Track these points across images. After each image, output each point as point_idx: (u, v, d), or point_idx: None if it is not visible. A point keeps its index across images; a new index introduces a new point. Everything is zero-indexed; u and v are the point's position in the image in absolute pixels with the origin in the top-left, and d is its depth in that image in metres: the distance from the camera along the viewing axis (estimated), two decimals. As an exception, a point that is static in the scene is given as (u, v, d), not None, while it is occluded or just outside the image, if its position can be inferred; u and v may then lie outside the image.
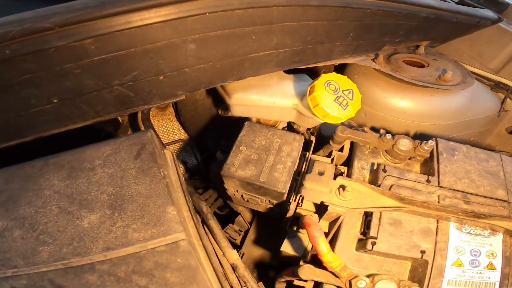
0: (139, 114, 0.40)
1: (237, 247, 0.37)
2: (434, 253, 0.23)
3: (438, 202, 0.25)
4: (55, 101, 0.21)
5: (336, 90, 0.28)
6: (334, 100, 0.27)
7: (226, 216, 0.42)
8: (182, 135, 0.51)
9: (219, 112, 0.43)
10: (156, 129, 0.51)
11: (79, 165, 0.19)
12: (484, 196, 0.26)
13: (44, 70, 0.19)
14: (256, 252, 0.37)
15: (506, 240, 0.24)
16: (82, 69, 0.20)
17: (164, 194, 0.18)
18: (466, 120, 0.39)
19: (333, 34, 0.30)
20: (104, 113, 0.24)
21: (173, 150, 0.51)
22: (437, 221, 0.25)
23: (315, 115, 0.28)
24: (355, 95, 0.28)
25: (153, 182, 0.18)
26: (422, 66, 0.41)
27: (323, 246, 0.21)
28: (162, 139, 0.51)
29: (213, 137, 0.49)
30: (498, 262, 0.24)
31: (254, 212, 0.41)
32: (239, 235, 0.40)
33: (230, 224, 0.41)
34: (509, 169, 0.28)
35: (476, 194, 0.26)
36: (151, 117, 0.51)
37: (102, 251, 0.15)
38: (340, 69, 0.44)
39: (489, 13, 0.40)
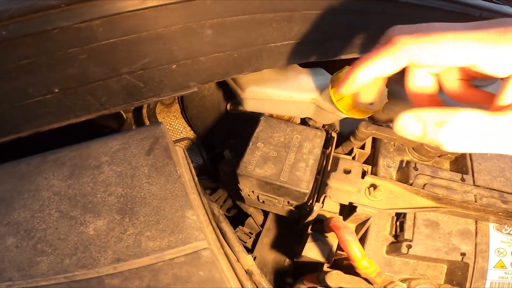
0: (144, 110, 0.38)
1: (248, 250, 0.34)
2: (475, 255, 0.21)
3: (475, 201, 0.23)
4: (56, 90, 0.19)
5: (361, 83, 0.26)
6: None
7: (234, 218, 0.40)
8: (188, 133, 0.49)
9: (228, 108, 0.41)
10: (160, 127, 0.49)
11: (83, 162, 0.16)
12: None
13: (45, 55, 0.17)
14: (269, 256, 0.35)
15: (546, 241, 0.23)
16: (88, 54, 0.18)
17: (181, 196, 0.15)
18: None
19: (355, 26, 0.29)
20: (109, 105, 0.22)
21: (179, 149, 0.48)
22: (476, 221, 0.23)
23: (338, 109, 0.26)
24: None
25: (169, 182, 0.16)
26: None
27: (356, 251, 0.19)
28: (167, 138, 0.48)
29: (221, 135, 0.46)
30: None
31: (265, 214, 0.38)
32: (250, 238, 0.38)
33: (240, 227, 0.39)
34: (541, 167, 0.27)
35: (512, 193, 0.24)
36: (157, 114, 0.49)
37: (112, 263, 0.13)
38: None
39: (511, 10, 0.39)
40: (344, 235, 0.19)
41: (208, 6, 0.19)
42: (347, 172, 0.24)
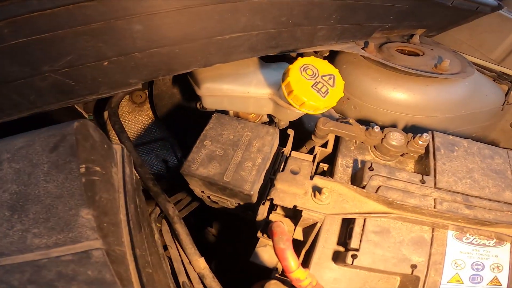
0: (106, 110, 0.37)
1: (214, 253, 0.33)
2: (428, 268, 0.19)
3: (434, 206, 0.21)
4: (-23, 90, 0.18)
5: (315, 76, 0.24)
6: (312, 87, 0.23)
7: (208, 219, 0.38)
8: (162, 132, 0.48)
9: (198, 106, 0.40)
10: (133, 126, 0.48)
11: None
12: (489, 199, 0.22)
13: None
14: (233, 260, 0.33)
15: (515, 251, 0.20)
16: (0, 54, 0.17)
17: (78, 194, 0.14)
18: (467, 114, 0.35)
19: (313, 15, 0.27)
20: (41, 103, 0.21)
21: (153, 149, 0.47)
22: (433, 229, 0.21)
23: (290, 104, 0.24)
24: (337, 81, 0.24)
25: (67, 180, 0.14)
26: (417, 55, 0.38)
27: (290, 261, 0.17)
28: (140, 137, 0.47)
29: (194, 133, 0.45)
30: (504, 277, 0.20)
31: (230, 215, 0.37)
32: (217, 239, 0.36)
33: (209, 228, 0.37)
34: (517, 168, 0.24)
35: (479, 197, 0.22)
36: (127, 113, 0.48)
37: None
38: (329, 60, 0.41)
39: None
40: (278, 242, 0.17)
41: (131, 2, 0.18)
42: (295, 172, 0.23)
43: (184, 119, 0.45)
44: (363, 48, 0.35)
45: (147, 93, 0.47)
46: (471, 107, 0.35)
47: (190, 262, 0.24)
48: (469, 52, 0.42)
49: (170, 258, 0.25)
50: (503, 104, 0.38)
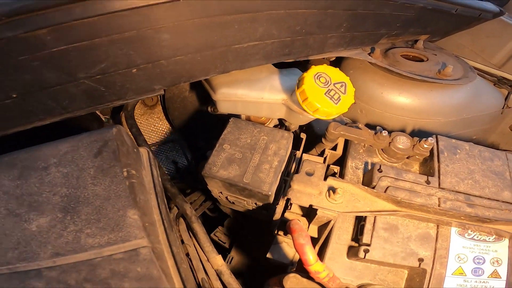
0: (123, 113, 0.38)
1: (226, 251, 0.34)
2: (433, 261, 0.21)
3: (439, 205, 0.22)
4: (14, 96, 0.19)
5: (327, 83, 0.26)
6: (325, 94, 0.25)
7: (219, 218, 0.40)
8: (172, 134, 0.49)
9: (209, 109, 0.41)
10: (144, 128, 0.49)
11: (33, 164, 0.17)
12: (489, 199, 0.24)
13: (-2, 63, 0.17)
14: (246, 257, 0.35)
15: (513, 246, 0.22)
16: (40, 61, 0.18)
17: (125, 196, 0.16)
18: (468, 117, 0.37)
19: (325, 24, 0.28)
20: (72, 108, 0.23)
21: (163, 151, 0.49)
22: (437, 226, 0.22)
23: (304, 110, 0.26)
24: (348, 88, 0.26)
25: (113, 183, 0.16)
26: (421, 60, 0.39)
27: (309, 255, 0.18)
28: (151, 139, 0.49)
29: (205, 136, 0.47)
30: (503, 270, 0.22)
31: (245, 214, 0.38)
32: (229, 238, 0.38)
33: (220, 227, 0.39)
34: (515, 169, 0.26)
35: (480, 196, 0.24)
36: (139, 116, 0.49)
37: (51, 257, 0.14)
38: (336, 64, 0.42)
39: (490, 5, 0.38)
40: (298, 238, 0.19)
41: (161, 12, 0.19)
42: (310, 174, 0.24)
43: (194, 122, 0.47)
44: (369, 54, 0.37)
45: (158, 96, 0.48)
46: (472, 111, 0.37)
47: (208, 260, 0.26)
48: (471, 57, 0.43)
49: (188, 256, 0.26)
50: (503, 108, 0.40)
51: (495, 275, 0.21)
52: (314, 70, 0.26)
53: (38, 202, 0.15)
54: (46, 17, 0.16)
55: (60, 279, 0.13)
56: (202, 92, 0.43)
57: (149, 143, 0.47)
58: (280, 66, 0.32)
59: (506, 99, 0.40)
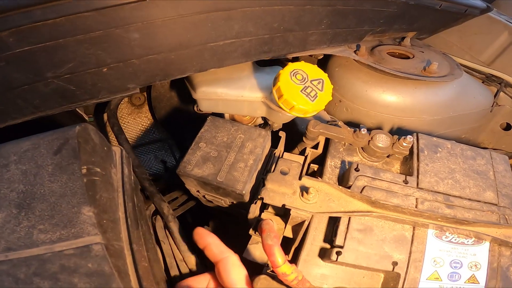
0: (106, 112, 0.38)
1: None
2: (408, 265, 0.20)
3: (416, 206, 0.22)
4: (-17, 96, 0.19)
5: (304, 80, 0.25)
6: (301, 91, 0.24)
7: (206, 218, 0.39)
8: (160, 133, 0.49)
9: (195, 109, 0.41)
10: (132, 128, 0.49)
11: None
12: (469, 199, 0.23)
13: (-38, 64, 0.17)
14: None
15: (494, 249, 0.21)
16: (5, 61, 0.18)
17: (80, 193, 0.15)
18: (455, 115, 0.36)
19: (304, 21, 0.28)
20: (44, 108, 0.22)
21: (152, 150, 0.48)
22: (414, 228, 0.22)
23: (281, 108, 0.25)
24: (326, 85, 0.25)
25: (70, 180, 0.16)
26: (407, 58, 0.39)
27: (277, 256, 0.18)
28: (139, 138, 0.48)
29: (192, 135, 0.47)
30: (482, 275, 0.21)
31: (227, 213, 0.38)
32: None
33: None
34: (500, 168, 0.25)
35: (460, 197, 0.23)
36: (126, 115, 0.49)
37: (3, 252, 0.14)
38: (323, 61, 0.42)
39: (477, 1, 0.38)
40: (266, 238, 0.18)
41: (127, 11, 0.19)
42: (284, 173, 0.24)
43: (182, 121, 0.46)
44: (355, 51, 0.36)
45: (145, 95, 0.48)
46: (459, 109, 0.36)
47: (183, 258, 0.25)
48: (459, 54, 0.43)
49: (163, 253, 0.26)
50: (492, 106, 0.39)
51: (472, 280, 0.20)
52: (290, 67, 0.25)
53: (-5, 199, 0.15)
54: (5, 20, 0.16)
55: (10, 272, 0.13)
56: (189, 92, 0.43)
57: (137, 142, 0.47)
58: (264, 64, 0.32)
59: (495, 96, 0.39)
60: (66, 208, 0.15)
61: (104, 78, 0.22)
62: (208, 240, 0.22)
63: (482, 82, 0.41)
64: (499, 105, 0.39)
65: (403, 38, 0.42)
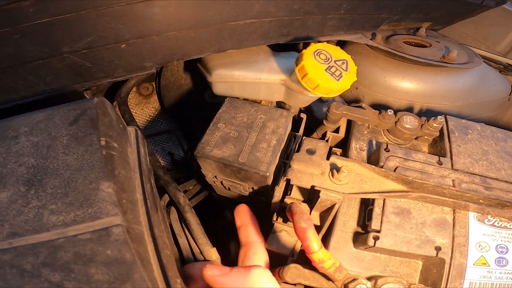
0: (116, 99, 0.37)
1: (224, 243, 0.32)
2: (452, 250, 0.18)
3: (453, 186, 0.20)
4: (-6, 70, 0.18)
5: (328, 60, 0.24)
6: (325, 70, 0.24)
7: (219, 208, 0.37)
8: (168, 124, 0.48)
9: (206, 97, 0.40)
10: (140, 119, 0.48)
11: (2, 133, 0.15)
12: (506, 181, 0.21)
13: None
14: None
15: (538, 234, 0.20)
16: (22, 34, 0.17)
17: (99, 166, 0.13)
18: (476, 102, 0.35)
19: (324, 4, 0.27)
20: (56, 85, 0.21)
21: (159, 142, 0.47)
22: (454, 211, 0.20)
23: (304, 88, 0.24)
24: (350, 66, 0.25)
25: (88, 152, 0.14)
26: (424, 46, 0.38)
27: (312, 240, 0.16)
28: (146, 129, 0.47)
29: (202, 125, 0.45)
30: None
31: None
32: (227, 231, 0.35)
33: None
34: (531, 152, 0.24)
35: (497, 179, 0.21)
36: (134, 105, 0.48)
37: (7, 238, 0.11)
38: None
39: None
40: (298, 221, 0.17)
41: None
42: (311, 152, 0.22)
43: (191, 111, 0.45)
44: (370, 40, 0.36)
45: (154, 85, 0.47)
46: (479, 96, 0.35)
47: (201, 252, 0.23)
48: (475, 45, 0.42)
49: (179, 247, 0.24)
50: (510, 94, 0.38)
51: None
52: (313, 47, 0.24)
53: (1, 174, 0.13)
54: (29, -11, 0.15)
55: (15, 263, 0.11)
56: (199, 80, 0.42)
57: (145, 133, 0.46)
58: (280, 50, 0.32)
59: (513, 86, 0.39)
60: (82, 184, 0.13)
61: (122, 55, 0.22)
62: (248, 220, 0.21)
63: (499, 72, 0.40)
64: (517, 94, 0.39)
65: (417, 29, 0.42)
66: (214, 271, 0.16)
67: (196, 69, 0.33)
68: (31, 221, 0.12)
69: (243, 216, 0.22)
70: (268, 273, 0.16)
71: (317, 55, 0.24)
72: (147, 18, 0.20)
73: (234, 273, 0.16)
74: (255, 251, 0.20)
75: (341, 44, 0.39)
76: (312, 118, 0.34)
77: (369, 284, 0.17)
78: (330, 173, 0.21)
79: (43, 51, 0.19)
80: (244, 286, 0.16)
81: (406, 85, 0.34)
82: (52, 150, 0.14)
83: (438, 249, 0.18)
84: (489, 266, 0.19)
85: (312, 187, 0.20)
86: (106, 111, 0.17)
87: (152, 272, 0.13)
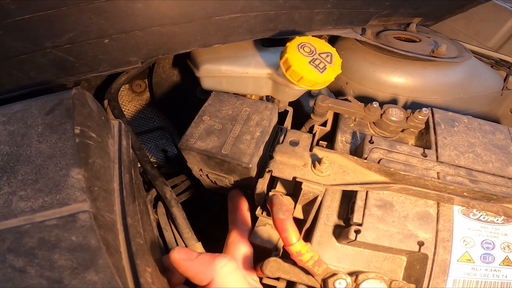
0: (106, 95, 0.37)
1: (214, 239, 0.32)
2: (436, 245, 0.18)
3: (438, 178, 0.20)
4: (-22, 65, 0.19)
5: (312, 53, 0.24)
6: (309, 63, 0.24)
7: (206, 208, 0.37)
8: (161, 121, 0.48)
9: (197, 94, 0.40)
10: (132, 116, 0.48)
11: None
12: (493, 174, 0.21)
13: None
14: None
15: (526, 228, 0.19)
16: (4, 30, 0.17)
17: (71, 153, 0.13)
18: (466, 97, 0.35)
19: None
20: (40, 79, 0.21)
21: (152, 139, 0.47)
22: (438, 204, 0.20)
23: (289, 80, 0.24)
24: (335, 58, 0.25)
25: (61, 140, 0.14)
26: (414, 41, 0.38)
27: (290, 232, 0.15)
28: (139, 126, 0.47)
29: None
30: None
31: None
32: (216, 226, 0.35)
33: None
34: (520, 145, 0.24)
35: (483, 172, 0.21)
36: (127, 102, 0.48)
37: None
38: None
39: None
40: (277, 212, 0.16)
41: None
42: (294, 144, 0.22)
43: (183, 108, 0.45)
44: (360, 35, 0.36)
45: (146, 82, 0.47)
46: (470, 90, 0.35)
47: (186, 247, 0.23)
48: (466, 41, 0.42)
49: (164, 242, 0.24)
50: (502, 89, 0.38)
51: (507, 262, 0.18)
52: (297, 40, 0.24)
53: (-24, 162, 0.13)
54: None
55: None
56: (191, 76, 0.42)
57: (137, 130, 0.46)
58: (268, 46, 0.32)
59: (505, 80, 0.39)
60: (53, 170, 0.13)
61: (105, 50, 0.22)
62: (238, 205, 0.21)
63: (491, 67, 0.40)
64: (509, 89, 0.38)
65: (408, 24, 0.42)
66: (181, 255, 0.16)
67: (187, 65, 0.33)
68: (0, 207, 0.12)
69: (235, 200, 0.22)
70: (232, 264, 0.16)
71: (301, 48, 0.24)
72: (129, 14, 0.20)
73: (199, 259, 0.16)
74: (239, 239, 0.19)
75: (332, 39, 0.39)
76: (301, 113, 0.34)
77: (349, 279, 0.17)
78: (312, 164, 0.21)
79: (26, 47, 0.19)
80: (206, 273, 0.15)
81: (395, 79, 0.34)
82: (27, 138, 0.14)
83: (420, 244, 0.18)
84: (473, 262, 0.18)
85: (294, 178, 0.20)
86: (85, 103, 0.17)
87: (120, 260, 0.13)
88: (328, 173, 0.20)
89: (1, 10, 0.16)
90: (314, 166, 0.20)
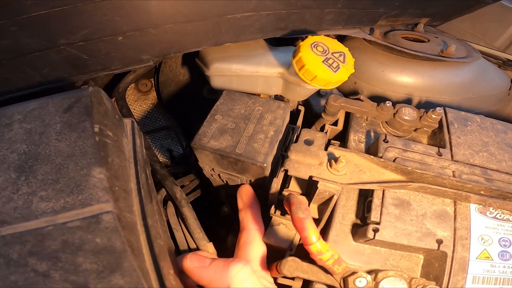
0: (114, 95, 0.37)
1: (222, 239, 0.32)
2: (454, 243, 0.18)
3: (454, 177, 0.20)
4: (-9, 62, 0.18)
5: (325, 52, 0.24)
6: (323, 62, 0.23)
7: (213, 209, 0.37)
8: (167, 121, 0.48)
9: (205, 93, 0.40)
10: (138, 115, 0.48)
11: None
12: (507, 173, 0.21)
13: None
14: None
15: (541, 227, 0.19)
16: (19, 26, 0.17)
17: (91, 152, 0.13)
18: (475, 97, 0.35)
19: (324, -1, 0.28)
20: (53, 77, 0.21)
21: (158, 138, 0.47)
22: (455, 202, 0.20)
23: (302, 79, 0.24)
24: (348, 58, 0.25)
25: (80, 138, 0.14)
26: (422, 41, 0.38)
27: (310, 231, 0.15)
28: (145, 126, 0.47)
29: (200, 122, 0.45)
30: None
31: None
32: (224, 226, 0.35)
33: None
34: (532, 144, 0.24)
35: (498, 170, 0.21)
36: (133, 102, 0.48)
37: None
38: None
39: None
40: (296, 211, 0.16)
41: None
42: (309, 143, 0.22)
43: (190, 107, 0.45)
44: (369, 35, 0.36)
45: (152, 81, 0.47)
46: (478, 90, 0.35)
47: (197, 247, 0.23)
48: (473, 41, 0.43)
49: (175, 242, 0.24)
50: (510, 89, 0.38)
51: None
52: (310, 39, 0.24)
53: (-7, 161, 0.13)
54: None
55: (2, 252, 0.11)
56: (198, 76, 0.42)
57: (143, 130, 0.45)
58: (278, 45, 0.32)
59: (512, 81, 0.39)
60: (73, 170, 0.12)
61: (119, 47, 0.22)
62: (249, 203, 0.21)
63: (498, 67, 0.40)
64: (516, 89, 0.39)
65: (416, 25, 0.42)
66: (193, 263, 0.16)
67: (195, 64, 0.33)
68: (20, 209, 0.12)
69: (245, 197, 0.21)
70: (248, 269, 0.15)
71: (314, 47, 0.24)
72: (144, 11, 0.20)
73: (213, 266, 0.16)
74: (252, 239, 0.19)
75: (340, 39, 0.40)
76: (310, 113, 0.34)
77: (369, 277, 0.16)
78: (328, 163, 0.20)
79: (40, 43, 0.19)
80: (221, 281, 0.15)
81: (404, 79, 0.34)
82: (45, 137, 0.14)
83: (439, 242, 0.18)
84: (492, 260, 0.18)
85: (310, 177, 0.20)
86: (101, 101, 0.17)
87: (144, 261, 0.12)
88: (345, 172, 0.20)
89: (17, 6, 0.16)
90: (330, 165, 0.20)
